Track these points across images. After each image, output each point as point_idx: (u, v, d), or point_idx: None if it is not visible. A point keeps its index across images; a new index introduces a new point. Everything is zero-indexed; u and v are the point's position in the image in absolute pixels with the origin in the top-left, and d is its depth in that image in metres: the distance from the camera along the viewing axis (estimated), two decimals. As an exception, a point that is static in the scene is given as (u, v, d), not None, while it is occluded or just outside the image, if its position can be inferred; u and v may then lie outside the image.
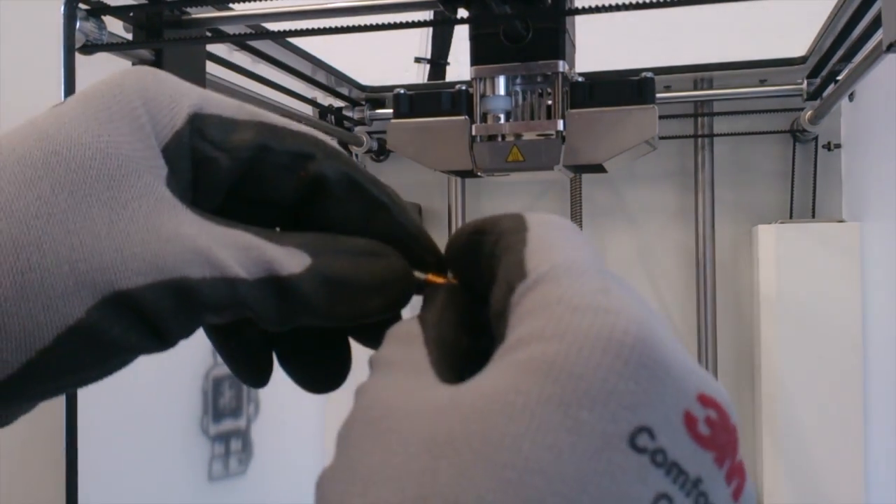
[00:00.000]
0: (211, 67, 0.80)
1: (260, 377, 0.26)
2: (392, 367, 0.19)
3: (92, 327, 0.19)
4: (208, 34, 0.77)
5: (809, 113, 1.02)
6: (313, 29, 0.65)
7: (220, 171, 0.22)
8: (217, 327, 0.25)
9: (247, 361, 0.25)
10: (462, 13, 0.62)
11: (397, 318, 0.25)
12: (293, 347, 0.25)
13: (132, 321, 0.20)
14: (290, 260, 0.21)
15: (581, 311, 0.16)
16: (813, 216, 1.11)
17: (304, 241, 0.22)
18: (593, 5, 0.59)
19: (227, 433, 0.98)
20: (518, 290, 0.18)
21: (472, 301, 0.23)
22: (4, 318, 0.19)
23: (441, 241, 0.25)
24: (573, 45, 0.68)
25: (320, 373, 0.26)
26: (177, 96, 0.22)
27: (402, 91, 0.70)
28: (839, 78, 0.93)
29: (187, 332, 0.21)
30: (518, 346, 0.16)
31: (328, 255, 0.22)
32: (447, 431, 0.15)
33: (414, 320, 0.21)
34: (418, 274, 0.24)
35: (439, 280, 0.24)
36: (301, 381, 0.26)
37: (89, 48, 0.66)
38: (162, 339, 0.21)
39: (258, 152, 0.22)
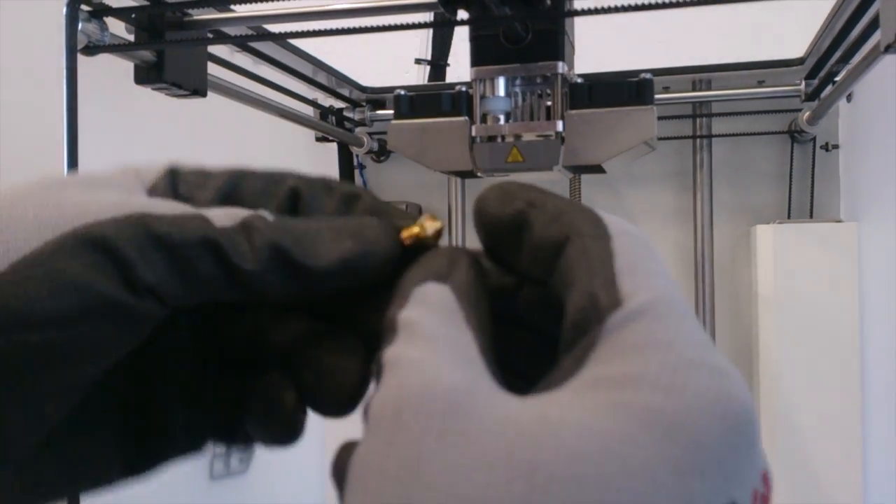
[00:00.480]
0: (212, 69, 0.81)
1: (291, 433, 0.25)
2: (438, 345, 0.18)
3: (50, 258, 0.19)
4: (210, 35, 0.77)
5: (807, 114, 1.03)
6: (314, 30, 0.65)
7: (203, 204, 0.23)
8: (237, 384, 0.25)
9: (275, 416, 0.24)
10: (462, 15, 0.62)
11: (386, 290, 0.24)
12: (316, 376, 0.24)
13: (95, 259, 0.19)
14: (258, 213, 0.22)
15: (696, 367, 0.16)
16: (811, 216, 1.11)
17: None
18: (593, 6, 0.60)
19: (227, 432, 0.98)
20: (615, 316, 0.17)
21: (496, 269, 0.22)
22: None
23: (442, 242, 0.25)
24: (572, 47, 0.68)
25: (339, 393, 0.24)
26: (156, 165, 0.24)
27: (402, 92, 0.70)
28: (837, 79, 0.94)
29: (165, 283, 0.20)
30: (625, 384, 0.16)
31: (293, 219, 0.23)
32: (549, 463, 0.15)
33: (443, 286, 0.20)
34: (405, 233, 0.24)
35: (416, 230, 0.24)
36: (321, 408, 0.24)
37: (91, 49, 0.66)
38: (132, 286, 0.20)
39: (237, 181, 0.24)
